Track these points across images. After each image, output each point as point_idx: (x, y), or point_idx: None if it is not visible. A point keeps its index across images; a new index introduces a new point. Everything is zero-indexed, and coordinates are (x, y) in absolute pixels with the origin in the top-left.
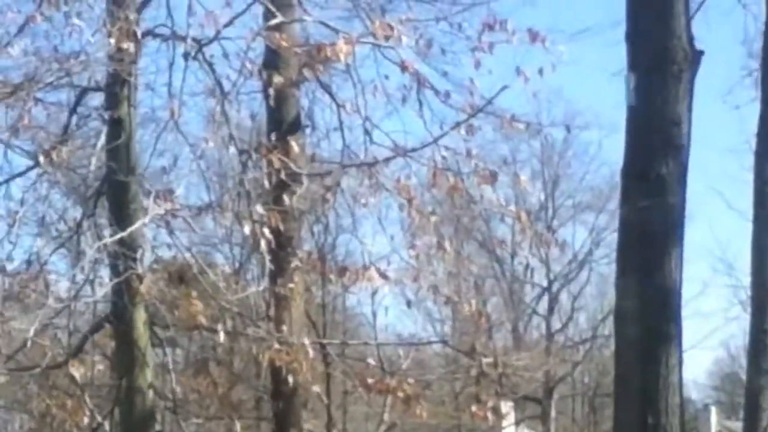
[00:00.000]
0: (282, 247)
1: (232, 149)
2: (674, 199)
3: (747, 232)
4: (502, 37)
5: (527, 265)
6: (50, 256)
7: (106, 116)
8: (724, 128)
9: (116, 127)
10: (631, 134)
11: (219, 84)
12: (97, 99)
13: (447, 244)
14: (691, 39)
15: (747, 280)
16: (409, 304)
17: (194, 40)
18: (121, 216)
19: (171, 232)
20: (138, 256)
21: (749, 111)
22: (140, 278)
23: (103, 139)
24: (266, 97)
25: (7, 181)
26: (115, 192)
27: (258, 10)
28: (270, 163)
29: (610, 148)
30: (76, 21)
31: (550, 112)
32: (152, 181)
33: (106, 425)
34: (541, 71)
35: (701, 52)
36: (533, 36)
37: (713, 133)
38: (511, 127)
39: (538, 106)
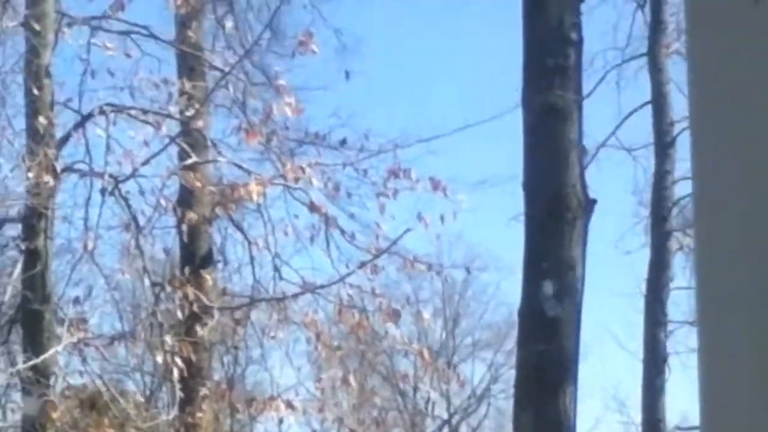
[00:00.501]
0: (192, 376)
1: (146, 281)
2: (569, 339)
3: (638, 371)
4: (405, 184)
5: (429, 399)
6: None
7: (23, 247)
8: (616, 273)
9: (32, 257)
10: (527, 277)
11: (134, 219)
12: (14, 229)
13: (352, 378)
14: (584, 187)
15: (638, 417)
16: None
17: (111, 176)
18: (35, 343)
19: (84, 360)
20: (51, 382)
21: (640, 257)
22: (52, 405)
23: (19, 268)
24: (180, 232)
25: None
26: (30, 320)
27: (174, 149)
28: (183, 296)
29: (507, 290)
30: None
31: (451, 254)
32: (67, 310)
33: None
34: (442, 218)
35: (594, 200)
36: (435, 184)
37: (606, 277)
38: (413, 267)
39: (439, 248)
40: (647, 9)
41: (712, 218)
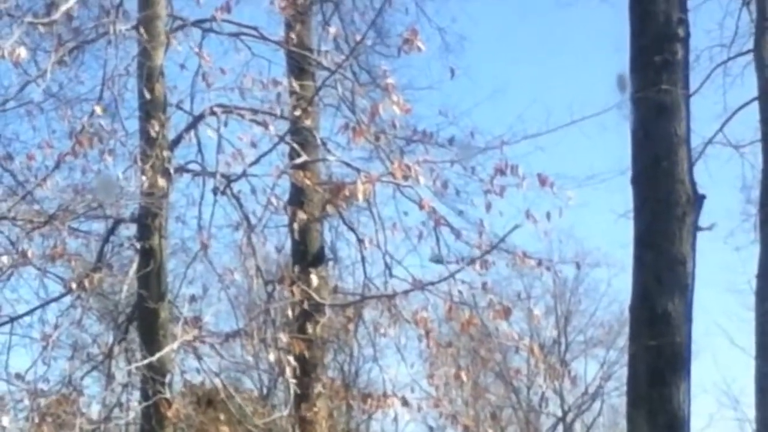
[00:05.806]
0: (306, 373)
1: (259, 280)
2: (680, 335)
3: (750, 367)
4: (513, 181)
5: (542, 396)
6: (82, 379)
7: (138, 246)
8: (725, 269)
9: (147, 256)
10: (638, 273)
11: (246, 218)
12: (129, 229)
13: (464, 375)
14: (693, 183)
15: (752, 413)
16: (431, 430)
17: (223, 176)
18: (151, 341)
19: (199, 358)
20: (167, 380)
21: (749, 253)
22: (168, 402)
23: (134, 267)
24: (291, 231)
25: (42, 306)
26: (146, 318)
27: (284, 148)
28: (293, 294)
29: (618, 287)
30: (107, 157)
31: (561, 250)
32: (182, 309)
33: None
34: (548, 216)
35: (703, 196)
36: (542, 181)
37: (716, 273)
38: (523, 263)
39: (549, 244)
40: (753, 6)
41: None
